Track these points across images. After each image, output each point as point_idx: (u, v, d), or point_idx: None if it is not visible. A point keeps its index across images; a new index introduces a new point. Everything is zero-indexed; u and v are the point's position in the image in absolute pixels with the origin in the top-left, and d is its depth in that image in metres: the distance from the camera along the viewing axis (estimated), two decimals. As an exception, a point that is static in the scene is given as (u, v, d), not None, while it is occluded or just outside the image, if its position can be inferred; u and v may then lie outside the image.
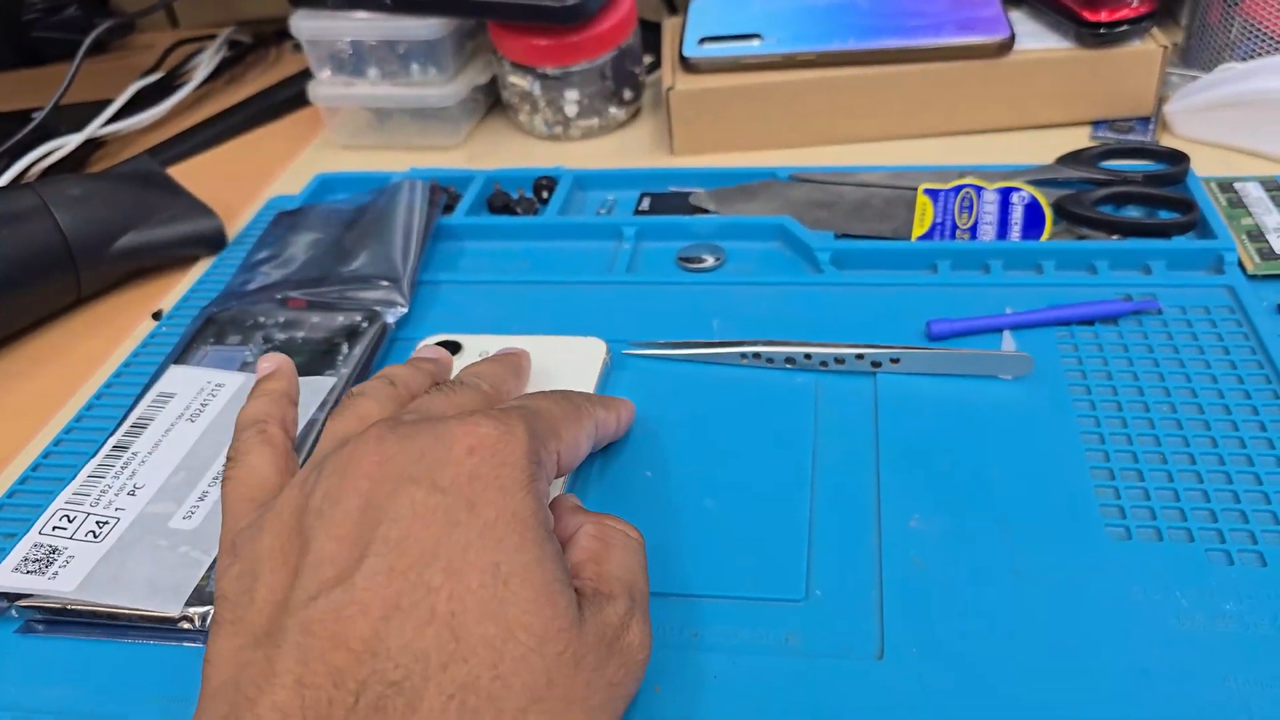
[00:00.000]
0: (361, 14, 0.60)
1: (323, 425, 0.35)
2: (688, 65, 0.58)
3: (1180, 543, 0.34)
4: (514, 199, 0.55)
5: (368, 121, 0.66)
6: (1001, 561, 0.34)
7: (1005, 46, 0.56)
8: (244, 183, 0.64)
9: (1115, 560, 0.34)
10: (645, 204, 0.54)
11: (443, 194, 0.55)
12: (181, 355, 0.46)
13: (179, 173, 0.63)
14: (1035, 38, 0.57)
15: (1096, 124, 0.59)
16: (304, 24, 0.61)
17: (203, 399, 0.43)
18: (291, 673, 0.24)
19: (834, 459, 0.38)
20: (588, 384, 0.42)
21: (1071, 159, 0.52)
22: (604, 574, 0.30)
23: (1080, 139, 0.58)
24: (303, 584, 0.26)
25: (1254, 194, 0.49)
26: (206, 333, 0.47)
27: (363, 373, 0.44)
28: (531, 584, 0.26)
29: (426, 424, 0.29)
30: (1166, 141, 0.57)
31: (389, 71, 0.62)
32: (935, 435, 0.39)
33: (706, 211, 0.53)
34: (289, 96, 0.72)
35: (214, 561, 0.35)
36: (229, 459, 0.33)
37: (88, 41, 0.69)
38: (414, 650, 0.25)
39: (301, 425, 0.41)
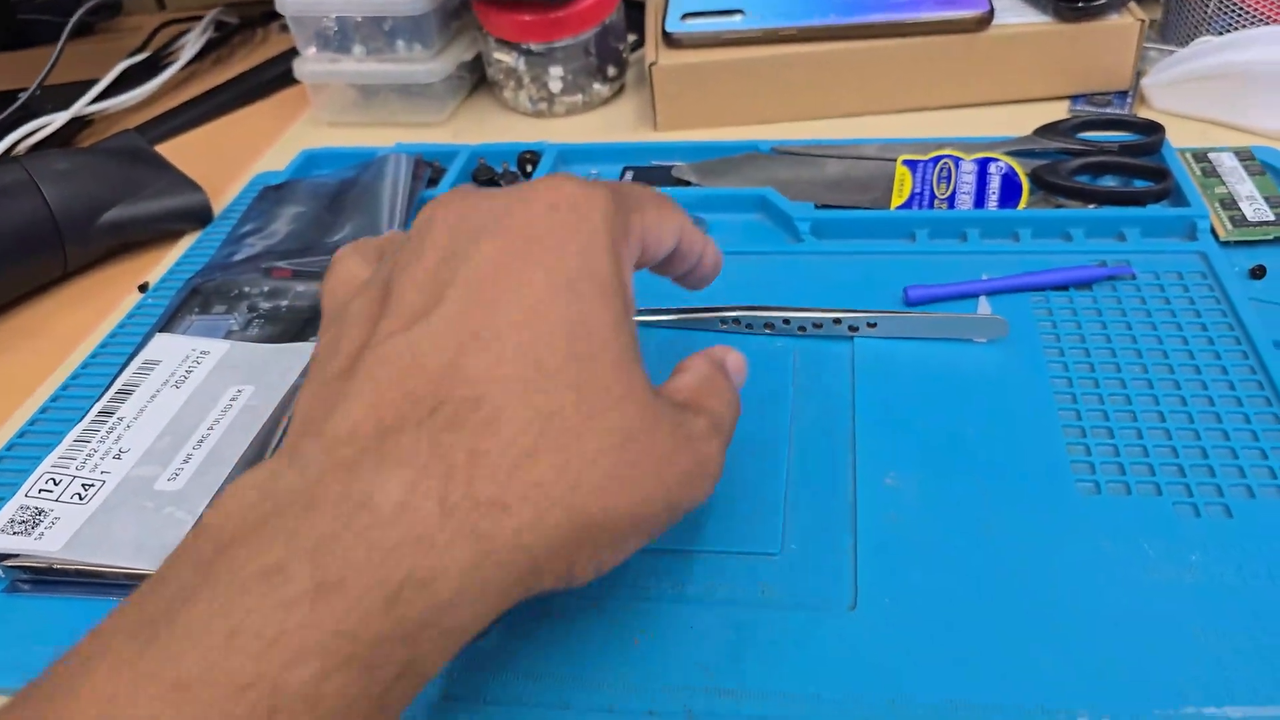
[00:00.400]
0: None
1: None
2: (670, 40, 0.59)
3: (1148, 496, 0.35)
4: (498, 173, 0.56)
5: (354, 99, 0.66)
6: (974, 516, 0.34)
7: (984, 21, 0.57)
8: (230, 159, 0.64)
9: (1085, 514, 0.34)
10: (628, 178, 0.55)
11: (427, 168, 0.55)
12: (167, 324, 0.46)
13: (166, 150, 0.63)
14: (1014, 12, 0.58)
15: (1075, 98, 0.59)
16: (289, 0, 0.61)
17: (188, 366, 0.43)
18: (363, 395, 0.24)
19: (811, 421, 0.39)
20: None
21: (1049, 130, 0.52)
22: (696, 400, 0.30)
23: (1059, 113, 0.58)
24: (381, 327, 0.25)
25: (1227, 164, 0.50)
26: (192, 303, 0.48)
27: (347, 341, 0.45)
28: (611, 348, 0.25)
29: (508, 187, 0.28)
30: (1144, 115, 0.58)
31: (374, 48, 0.62)
32: (911, 397, 0.39)
33: (689, 184, 0.53)
34: (276, 75, 0.72)
35: (198, 520, 0.36)
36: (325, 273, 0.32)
37: (73, 20, 0.69)
38: (494, 375, 0.24)
39: (284, 391, 0.41)
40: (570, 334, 0.25)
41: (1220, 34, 0.58)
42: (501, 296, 0.25)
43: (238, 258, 0.51)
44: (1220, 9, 0.59)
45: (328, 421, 0.24)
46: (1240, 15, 0.58)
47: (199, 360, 0.43)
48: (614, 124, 0.63)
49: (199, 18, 0.81)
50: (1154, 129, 0.51)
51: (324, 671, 0.19)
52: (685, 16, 0.59)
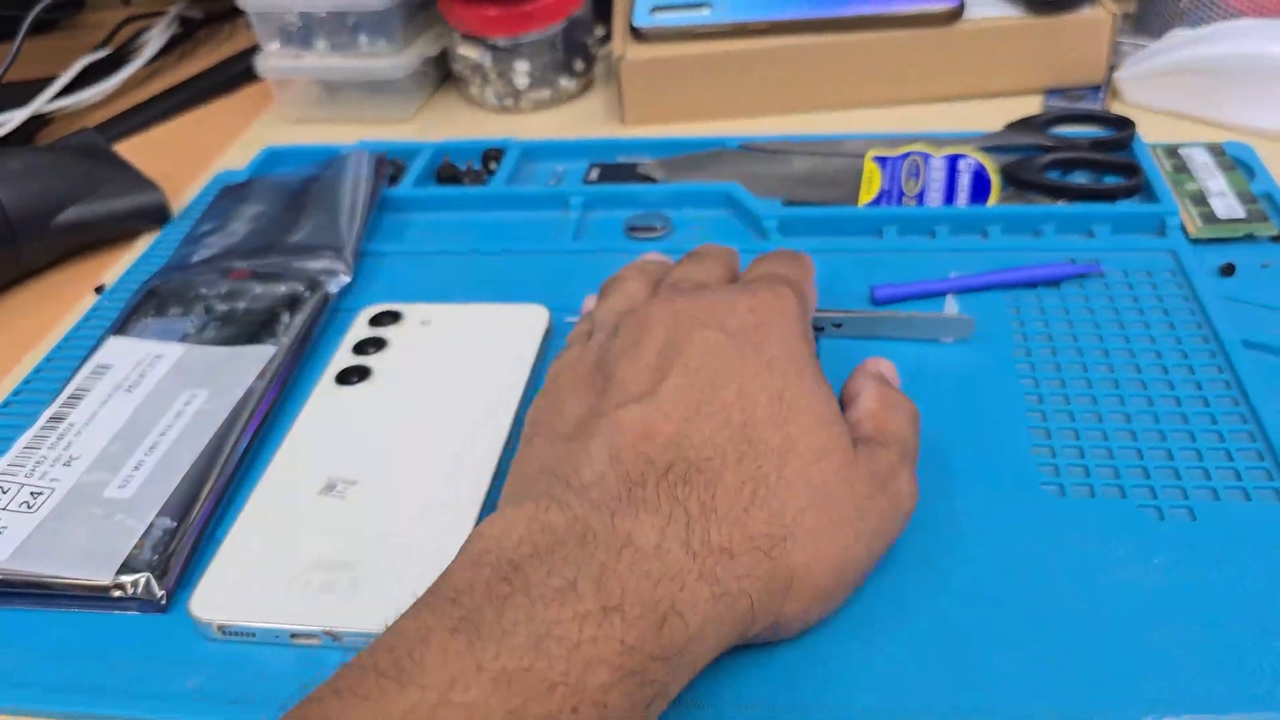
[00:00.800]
0: (311, -16, 0.60)
1: (263, 392, 0.40)
2: (638, 35, 0.58)
3: (1113, 499, 0.34)
4: (462, 170, 0.55)
5: (318, 95, 0.65)
6: (939, 518, 0.34)
7: (955, 14, 0.56)
8: (192, 157, 0.63)
9: (1050, 517, 0.34)
10: (594, 174, 0.54)
11: (389, 166, 0.55)
12: (122, 327, 0.45)
13: (128, 148, 0.62)
14: (986, 5, 0.57)
15: (1048, 92, 0.59)
16: (251, -4, 0.60)
17: (141, 370, 0.42)
18: (605, 455, 0.28)
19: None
20: (529, 352, 0.41)
21: (1020, 126, 0.52)
22: (881, 428, 0.32)
23: (1032, 107, 0.58)
24: (610, 397, 0.30)
25: (1199, 159, 0.49)
26: (148, 305, 0.47)
27: (303, 342, 0.44)
28: (811, 410, 0.30)
29: (708, 289, 0.34)
30: (1117, 109, 0.57)
31: (338, 43, 0.61)
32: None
33: (654, 180, 0.53)
34: (240, 71, 0.71)
35: (148, 528, 0.35)
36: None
37: (31, 15, 0.68)
38: (713, 444, 0.28)
39: (239, 395, 0.41)
40: (772, 405, 0.30)
41: (1194, 27, 0.58)
42: (717, 378, 0.30)
43: (196, 258, 0.50)
44: (1194, 2, 0.58)
45: (576, 474, 0.28)
46: (1214, 8, 0.58)
47: (153, 364, 0.43)
48: (582, 119, 0.62)
49: (163, 14, 0.79)
50: (1125, 124, 0.51)
51: (611, 681, 0.23)
52: (654, 10, 0.59)
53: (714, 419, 0.29)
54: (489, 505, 0.35)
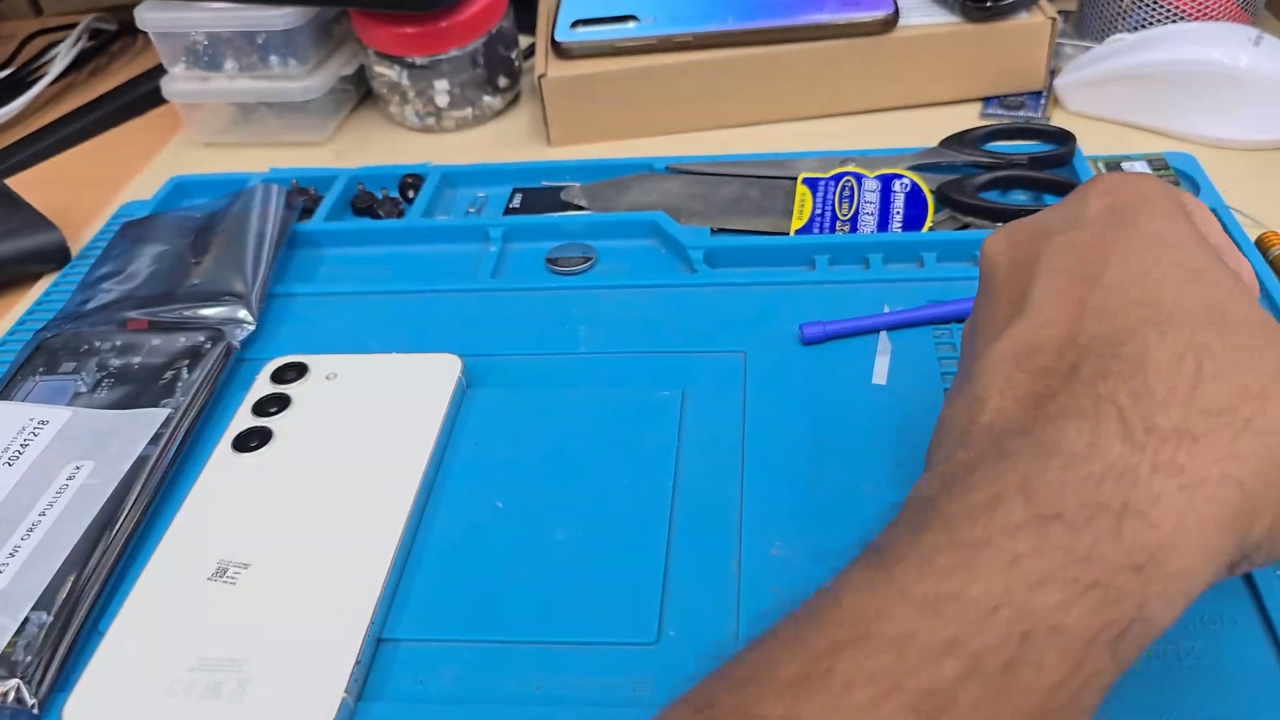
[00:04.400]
0: (214, 3, 0.56)
1: (157, 459, 0.38)
2: (560, 50, 0.55)
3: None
4: (378, 199, 0.52)
5: (231, 117, 0.62)
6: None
7: (889, 23, 0.54)
8: (97, 188, 0.60)
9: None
10: (517, 200, 0.52)
11: (300, 198, 0.52)
12: (5, 388, 0.42)
13: (27, 180, 0.59)
14: (920, 13, 0.55)
15: (987, 100, 0.57)
16: (150, 15, 0.57)
17: (24, 439, 0.39)
18: (995, 390, 0.24)
19: (697, 480, 0.36)
20: (438, 407, 0.39)
21: (955, 141, 0.50)
22: None
23: (970, 116, 0.56)
24: (985, 334, 0.26)
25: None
26: (36, 361, 0.44)
27: (204, 401, 0.41)
28: (1227, 282, 0.25)
29: (1053, 208, 0.29)
30: (1058, 117, 0.56)
31: (247, 64, 0.58)
32: (803, 450, 0.37)
33: (578, 208, 0.50)
34: (149, 91, 0.68)
35: (21, 625, 0.32)
36: None
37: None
38: (1120, 329, 0.23)
39: (128, 466, 0.38)
40: (1177, 277, 0.24)
41: (1135, 29, 0.56)
42: (1095, 269, 0.25)
43: (91, 305, 0.47)
44: (1135, 2, 0.56)
45: (973, 420, 0.24)
46: (1155, 9, 0.56)
47: (36, 431, 0.40)
48: (507, 138, 0.60)
49: (75, 25, 0.76)
50: (1066, 138, 0.49)
51: (1067, 600, 0.19)
52: (576, 24, 0.56)
53: (1108, 305, 0.24)
54: (389, 589, 0.33)
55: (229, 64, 0.58)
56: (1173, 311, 0.23)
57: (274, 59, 0.58)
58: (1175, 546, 0.20)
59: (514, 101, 0.63)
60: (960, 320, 0.41)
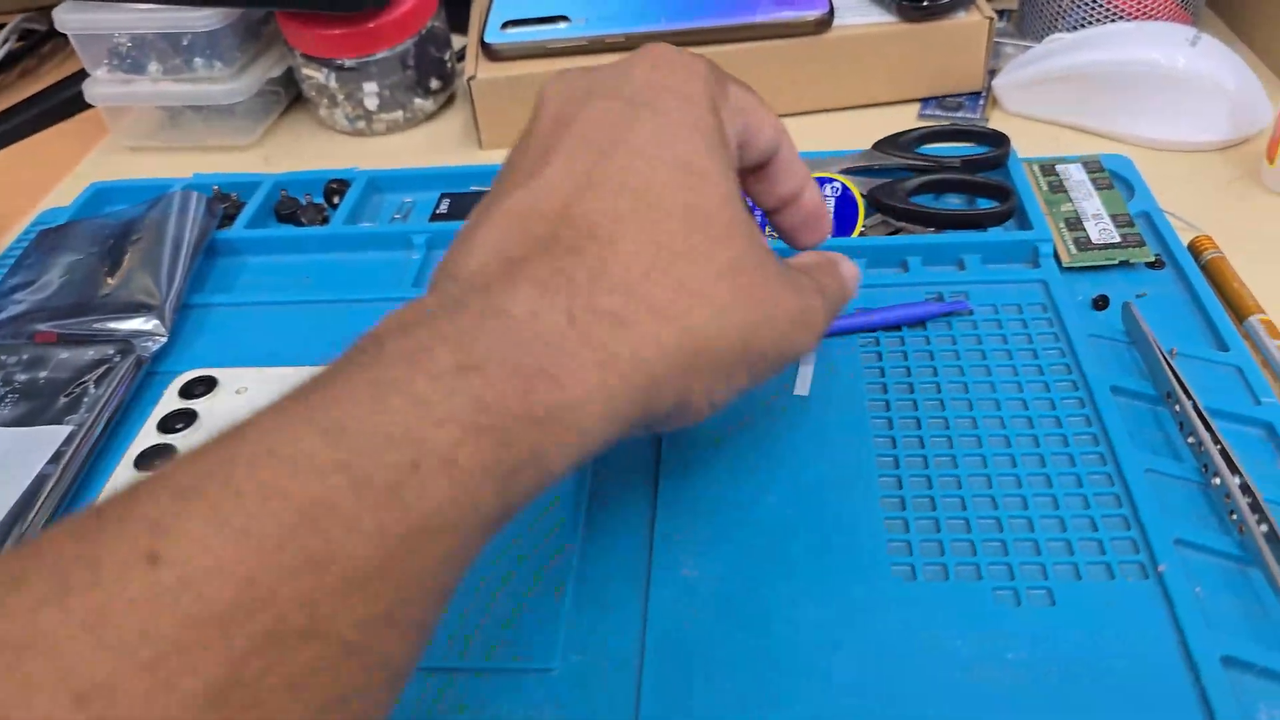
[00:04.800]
0: (137, 3, 0.55)
1: (57, 479, 0.36)
2: (490, 52, 0.54)
3: (968, 581, 0.31)
4: (301, 206, 0.51)
5: (158, 121, 0.61)
6: (776, 610, 0.31)
7: (824, 22, 0.53)
8: (19, 195, 0.58)
9: (899, 604, 0.31)
10: (444, 206, 0.50)
11: (221, 204, 0.50)
12: (-97, 407, 0.41)
13: (-56, 185, 0.57)
14: (856, 12, 0.54)
15: (925, 101, 0.56)
16: (70, 17, 0.55)
17: (-84, 463, 0.38)
18: (489, 240, 0.25)
19: (609, 497, 0.35)
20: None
21: (888, 144, 0.49)
22: (805, 268, 0.31)
23: (909, 117, 0.55)
24: (499, 188, 0.28)
25: (1075, 177, 0.47)
26: (-63, 379, 0.42)
27: (110, 418, 0.40)
28: (717, 186, 0.27)
29: (609, 64, 0.30)
30: (997, 118, 0.55)
31: (171, 66, 0.57)
32: (720, 465, 0.36)
33: (506, 214, 0.49)
34: (76, 94, 0.66)
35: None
36: None
37: None
38: (608, 212, 0.26)
39: (29, 480, 0.37)
40: (675, 173, 0.27)
41: (1074, 28, 0.55)
42: (610, 146, 0.27)
43: (1, 317, 0.45)
44: (1075, 2, 0.55)
45: (459, 264, 0.25)
46: (1093, 7, 0.55)
47: (-70, 457, 0.38)
48: (440, 141, 0.58)
49: (3, 26, 0.74)
50: (1000, 140, 0.48)
51: (462, 437, 0.20)
52: (506, 25, 0.55)
53: (608, 185, 0.26)
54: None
55: (152, 66, 0.57)
56: (655, 204, 0.26)
57: (198, 61, 0.56)
58: (577, 410, 0.23)
59: (448, 104, 0.61)
60: (888, 329, 0.40)
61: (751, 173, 0.34)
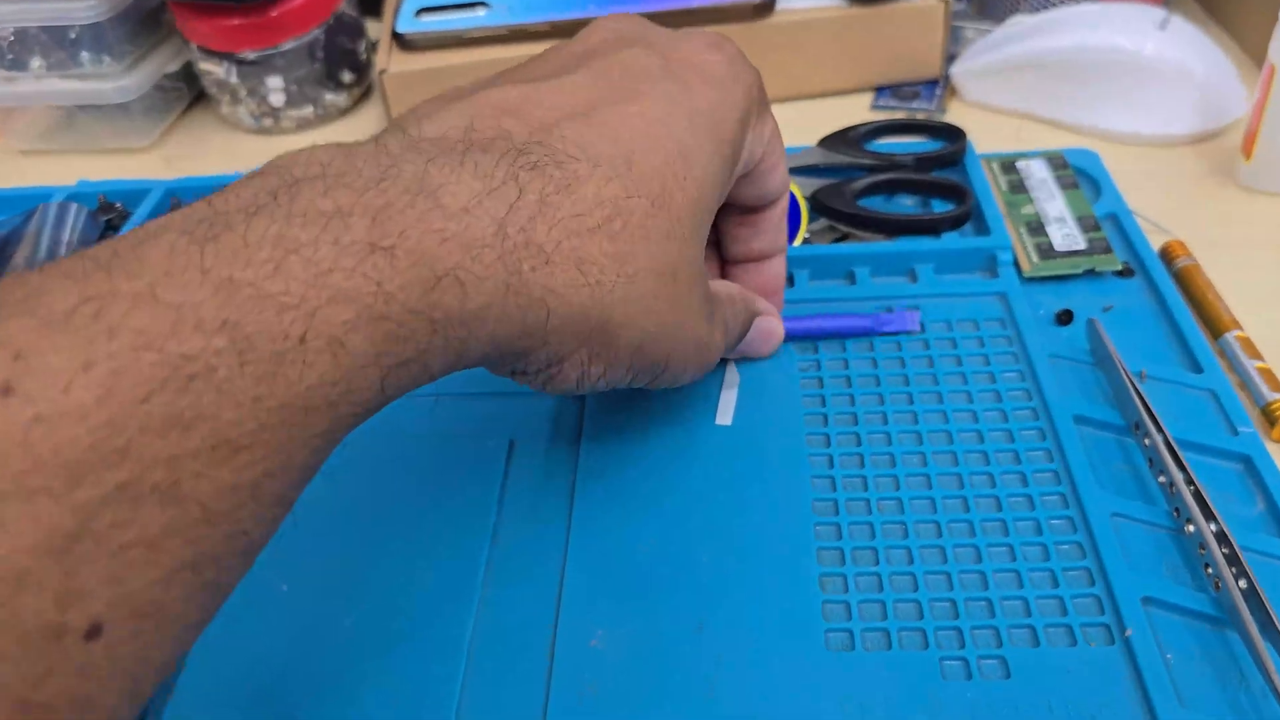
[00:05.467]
0: (16, -8, 0.50)
1: None
2: (403, 42, 0.50)
3: (913, 651, 0.28)
4: (196, 215, 0.46)
5: (54, 122, 0.56)
6: (693, 684, 0.27)
7: (765, 7, 0.49)
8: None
9: (834, 680, 0.27)
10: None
11: (105, 215, 0.46)
12: None
13: None
14: (802, -5, 0.50)
15: (879, 91, 0.52)
16: (-61, 9, 0.50)
17: None
18: (463, 113, 0.25)
19: (515, 553, 0.31)
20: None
21: (836, 140, 0.45)
22: (718, 301, 0.30)
23: (861, 109, 0.51)
24: (497, 78, 0.27)
25: (1038, 174, 0.43)
26: None
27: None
28: (699, 191, 0.27)
29: (671, 30, 0.30)
30: (955, 108, 0.51)
31: (56, 62, 0.52)
32: (635, 511, 0.32)
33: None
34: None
35: None
36: None
37: None
38: (589, 149, 0.25)
39: None
40: (671, 154, 0.26)
41: (1035, 11, 0.51)
42: (626, 94, 0.26)
43: None
44: (1037, -19, 0.51)
45: (418, 126, 0.24)
46: (1058, -12, 0.51)
47: None
48: (356, 138, 0.54)
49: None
50: (956, 135, 0.44)
51: (355, 321, 0.20)
52: (421, 12, 0.50)
53: (603, 126, 0.25)
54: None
55: (35, 63, 0.52)
56: (635, 170, 0.25)
57: (85, 55, 0.51)
58: (471, 325, 0.22)
59: (364, 98, 0.57)
60: (835, 336, 0.37)
61: (737, 213, 0.33)
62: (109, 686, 0.17)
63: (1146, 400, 0.32)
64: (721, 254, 0.35)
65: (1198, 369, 0.35)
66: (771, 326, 0.35)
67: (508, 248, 0.22)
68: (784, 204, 0.34)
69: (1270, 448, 0.32)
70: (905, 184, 0.43)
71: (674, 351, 0.27)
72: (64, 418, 0.16)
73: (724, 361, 0.36)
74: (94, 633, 0.16)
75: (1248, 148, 0.42)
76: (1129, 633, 0.27)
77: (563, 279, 0.23)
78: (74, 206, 0.45)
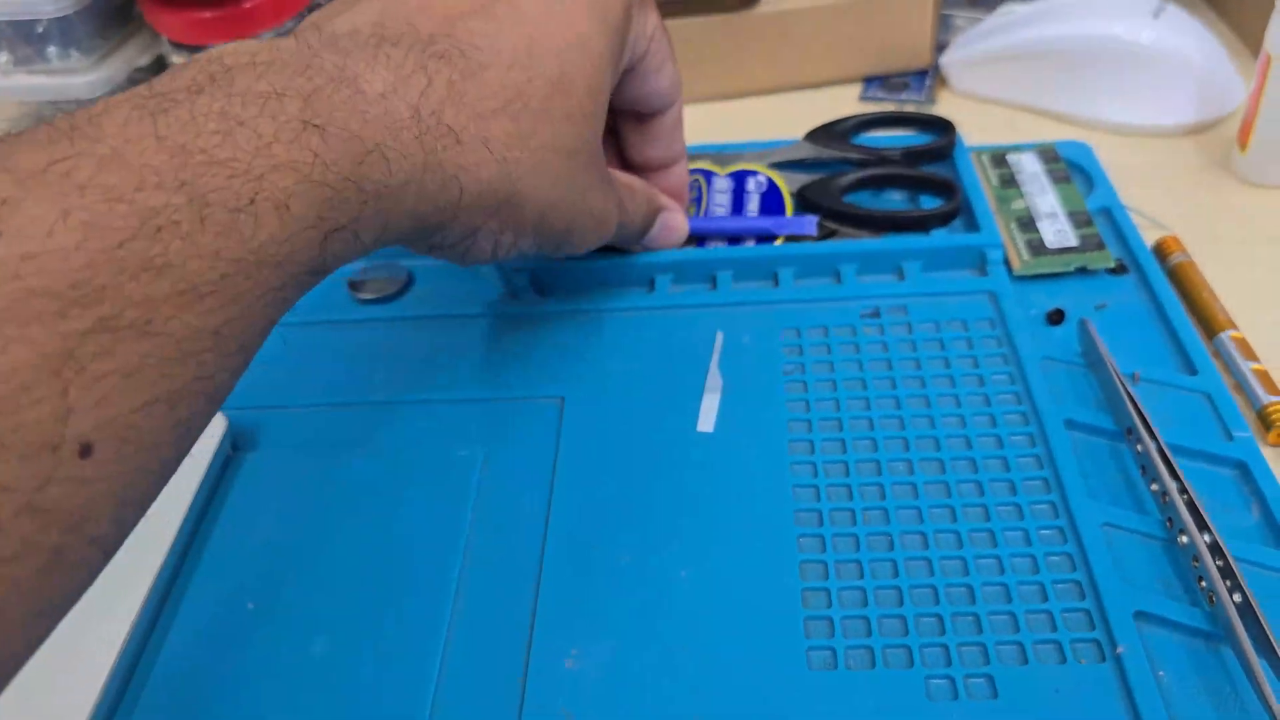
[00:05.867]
0: (-18, -15, 0.49)
1: None
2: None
3: (898, 670, 0.27)
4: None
5: (25, 117, 0.55)
6: (672, 706, 0.26)
7: (751, -3, 0.47)
8: None
9: (815, 700, 0.26)
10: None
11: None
12: None
13: None
14: (787, -16, 0.49)
15: (868, 82, 0.51)
16: (-100, 2, 0.49)
17: None
18: (371, 13, 0.27)
19: (487, 571, 0.30)
20: (191, 479, 0.32)
21: (822, 134, 0.44)
22: (626, 192, 0.34)
23: (849, 101, 0.50)
24: None
25: (1029, 168, 0.42)
26: None
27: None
28: (597, 77, 0.30)
29: None
30: (945, 99, 0.50)
31: (22, 56, 0.50)
32: (612, 524, 0.31)
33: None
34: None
35: None
36: None
37: None
38: (491, 38, 0.27)
39: None
40: (569, 42, 0.29)
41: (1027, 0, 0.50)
42: None
43: None
44: (1028, -32, 0.50)
45: (331, 23, 0.26)
46: (1049, -25, 0.50)
47: None
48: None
49: None
50: (946, 128, 0.43)
51: (296, 187, 0.21)
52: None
53: (503, 19, 0.28)
54: (106, 709, 0.27)
55: (2, 57, 0.51)
56: (535, 56, 0.28)
57: (52, 50, 0.50)
58: (395, 197, 0.24)
59: (343, 91, 0.55)
60: (735, 235, 0.36)
61: (633, 120, 0.36)
62: (100, 506, 0.18)
63: (1139, 404, 0.31)
64: (623, 163, 0.38)
65: (1192, 370, 0.34)
66: (676, 221, 0.38)
67: (423, 129, 0.25)
68: (677, 111, 0.36)
69: (1266, 452, 0.31)
70: (893, 179, 0.42)
71: (575, 221, 0.30)
72: (50, 256, 0.17)
73: (706, 368, 0.35)
74: (86, 451, 0.18)
75: (1243, 139, 0.41)
76: (1120, 650, 0.26)
77: (473, 157, 0.26)
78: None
